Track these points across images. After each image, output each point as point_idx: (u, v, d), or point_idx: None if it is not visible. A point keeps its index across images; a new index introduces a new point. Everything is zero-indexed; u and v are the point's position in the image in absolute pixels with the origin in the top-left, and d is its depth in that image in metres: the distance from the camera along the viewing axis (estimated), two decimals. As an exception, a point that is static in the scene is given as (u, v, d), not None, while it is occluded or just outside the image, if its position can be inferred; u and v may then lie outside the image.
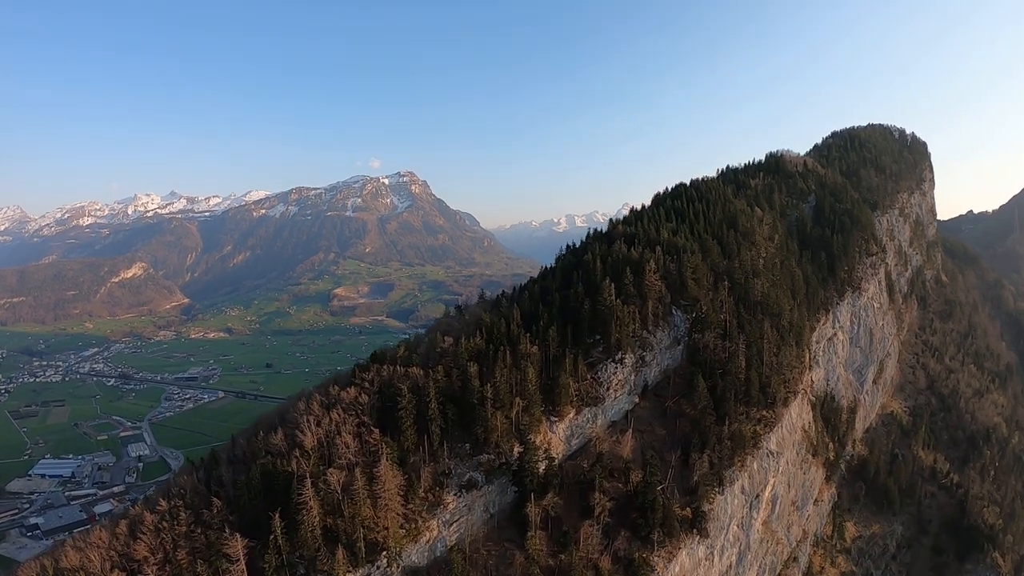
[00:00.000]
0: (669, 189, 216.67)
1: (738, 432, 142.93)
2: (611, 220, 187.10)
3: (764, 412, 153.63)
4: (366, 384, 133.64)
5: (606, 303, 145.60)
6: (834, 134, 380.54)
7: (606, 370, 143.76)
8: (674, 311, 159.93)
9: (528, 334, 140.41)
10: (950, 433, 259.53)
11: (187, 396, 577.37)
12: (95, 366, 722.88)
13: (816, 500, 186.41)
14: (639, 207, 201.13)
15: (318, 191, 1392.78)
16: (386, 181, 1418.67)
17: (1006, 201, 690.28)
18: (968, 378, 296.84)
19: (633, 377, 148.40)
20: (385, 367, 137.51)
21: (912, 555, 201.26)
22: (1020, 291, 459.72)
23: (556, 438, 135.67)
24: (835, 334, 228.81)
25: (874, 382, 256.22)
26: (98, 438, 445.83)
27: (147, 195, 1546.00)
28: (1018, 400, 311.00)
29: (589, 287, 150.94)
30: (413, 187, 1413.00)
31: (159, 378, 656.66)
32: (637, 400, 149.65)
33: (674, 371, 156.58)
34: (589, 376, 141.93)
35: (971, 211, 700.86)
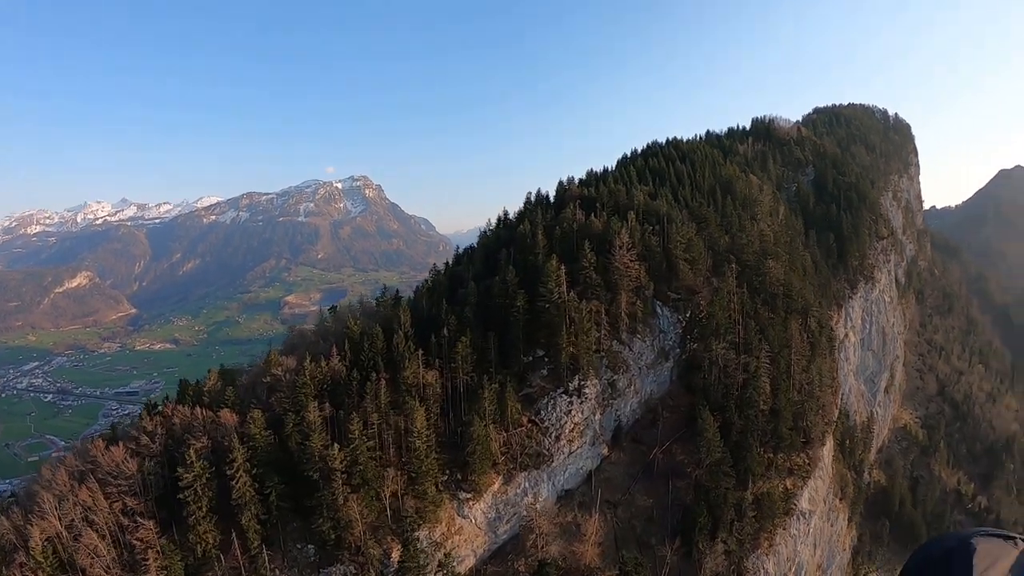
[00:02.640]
0: (638, 150, 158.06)
1: (766, 496, 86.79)
2: (560, 182, 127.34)
3: (797, 457, 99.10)
4: (143, 439, 74.95)
5: (553, 298, 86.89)
6: (817, 110, 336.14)
7: (555, 407, 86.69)
8: (659, 309, 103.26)
9: (422, 351, 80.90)
10: (968, 446, 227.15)
11: (126, 412, 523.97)
12: (34, 381, 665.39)
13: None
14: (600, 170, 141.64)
15: (270, 196, 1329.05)
16: (339, 185, 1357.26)
17: (970, 196, 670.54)
18: (979, 380, 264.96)
19: (598, 416, 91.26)
20: (182, 409, 78.51)
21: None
22: (1002, 285, 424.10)
23: (470, 525, 78.34)
24: (847, 335, 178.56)
25: (886, 391, 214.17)
26: (28, 460, 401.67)
27: (98, 202, 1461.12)
28: None
29: (526, 273, 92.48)
30: (367, 191, 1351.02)
31: (99, 393, 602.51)
32: (605, 452, 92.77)
33: (661, 401, 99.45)
34: (526, 418, 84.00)
35: (934, 206, 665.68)
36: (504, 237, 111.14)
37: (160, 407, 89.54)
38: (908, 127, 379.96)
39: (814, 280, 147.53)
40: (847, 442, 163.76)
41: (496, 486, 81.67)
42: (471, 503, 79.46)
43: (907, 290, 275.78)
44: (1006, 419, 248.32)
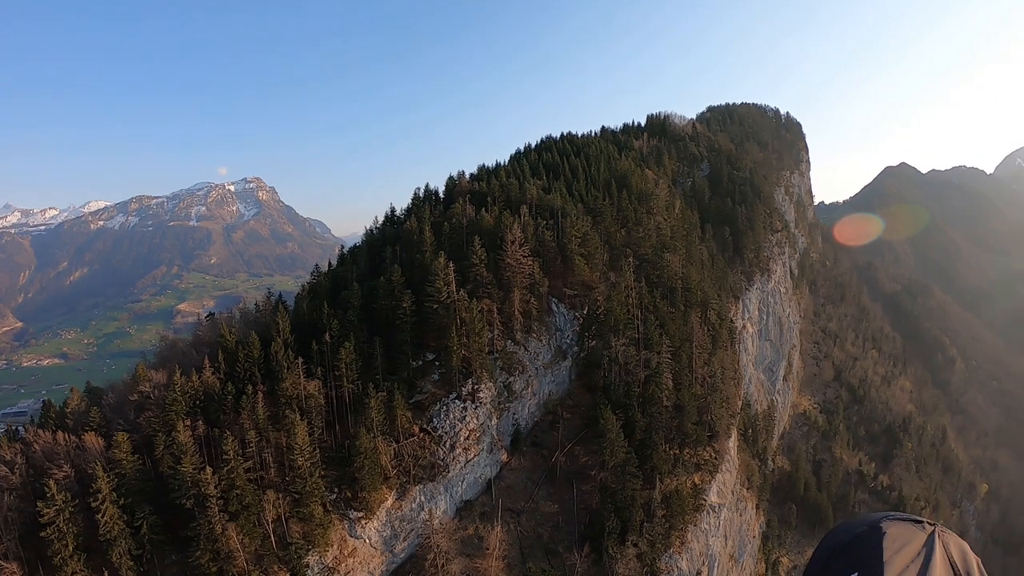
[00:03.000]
0: (532, 145, 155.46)
1: (675, 493, 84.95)
2: (451, 176, 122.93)
3: (704, 452, 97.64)
4: (1, 470, 67.61)
5: (442, 297, 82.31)
6: (711, 108, 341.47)
7: (448, 414, 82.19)
8: (555, 306, 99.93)
9: (302, 359, 74.96)
10: (867, 427, 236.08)
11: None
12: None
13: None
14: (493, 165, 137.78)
15: (160, 200, 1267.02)
16: (232, 187, 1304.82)
17: (857, 191, 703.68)
18: (873, 364, 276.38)
19: (495, 421, 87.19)
20: (44, 434, 70.72)
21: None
22: (890, 274, 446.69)
23: (364, 546, 73.06)
24: (744, 326, 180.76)
25: (784, 379, 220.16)
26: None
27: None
28: (920, 382, 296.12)
29: (413, 272, 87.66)
30: (260, 193, 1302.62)
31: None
32: (505, 458, 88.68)
33: (561, 402, 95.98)
34: (418, 427, 79.22)
35: (822, 202, 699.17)
36: (391, 235, 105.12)
37: (22, 432, 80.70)
38: (799, 125, 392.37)
39: (711, 273, 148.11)
40: (750, 431, 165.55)
41: (389, 502, 76.30)
42: (363, 522, 73.90)
43: (801, 281, 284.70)
44: (901, 400, 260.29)
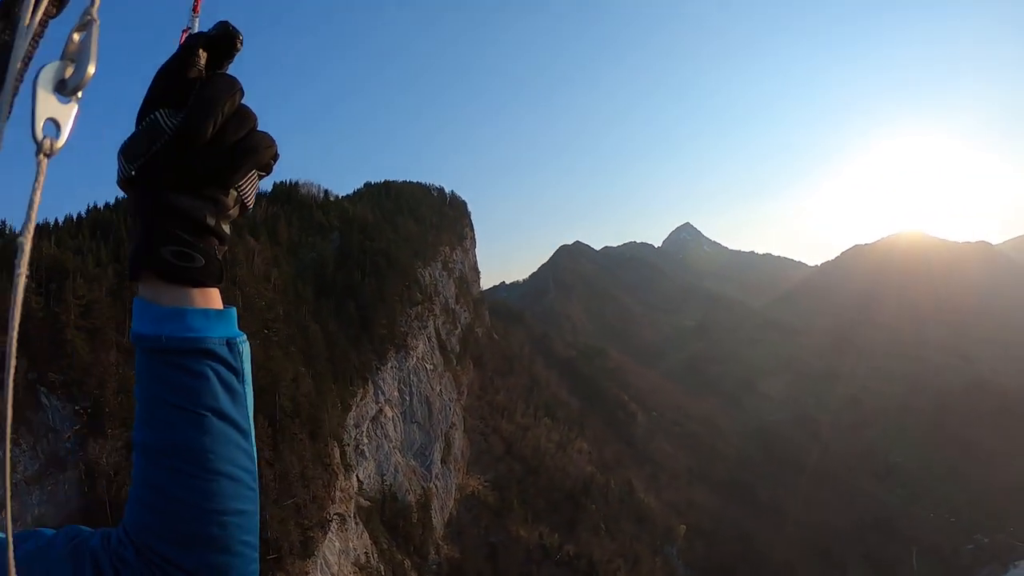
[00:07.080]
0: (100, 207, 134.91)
1: None
2: None
3: None
4: None
5: None
6: (367, 185, 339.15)
7: None
8: (45, 399, 79.01)
9: None
10: (545, 497, 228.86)
11: None
12: None
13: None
14: None
15: None
16: None
17: (536, 269, 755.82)
18: (547, 432, 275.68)
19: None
20: None
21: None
22: (566, 342, 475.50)
23: None
24: (381, 410, 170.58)
25: (443, 462, 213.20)
26: None
27: None
28: (601, 441, 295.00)
29: None
30: None
31: None
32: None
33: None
34: None
35: (503, 282, 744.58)
36: None
37: None
38: (464, 203, 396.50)
39: (322, 355, 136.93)
40: (402, 526, 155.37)
41: None
42: None
43: (464, 356, 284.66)
44: (579, 463, 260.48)
